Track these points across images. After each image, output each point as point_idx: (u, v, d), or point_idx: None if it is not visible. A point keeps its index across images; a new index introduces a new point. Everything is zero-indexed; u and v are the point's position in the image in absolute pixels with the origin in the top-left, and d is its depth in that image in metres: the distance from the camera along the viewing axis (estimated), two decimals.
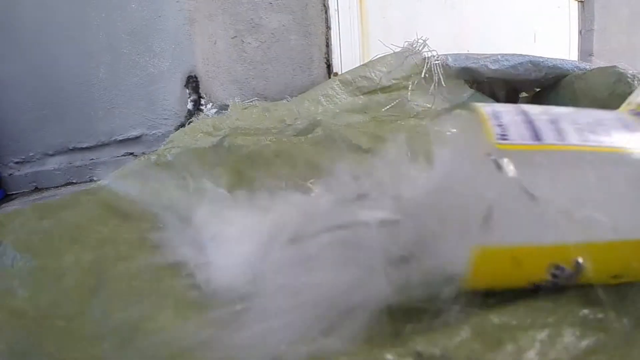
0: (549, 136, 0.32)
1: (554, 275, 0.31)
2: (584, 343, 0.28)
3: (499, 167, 0.30)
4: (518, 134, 0.31)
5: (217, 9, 1.11)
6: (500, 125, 0.32)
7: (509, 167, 0.30)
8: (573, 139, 0.32)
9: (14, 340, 0.30)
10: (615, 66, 0.80)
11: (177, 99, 1.11)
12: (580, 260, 0.30)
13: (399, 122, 0.84)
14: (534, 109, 0.35)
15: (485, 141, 0.31)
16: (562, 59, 0.96)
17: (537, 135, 0.31)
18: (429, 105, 0.95)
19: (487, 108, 0.34)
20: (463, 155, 0.34)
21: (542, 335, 0.28)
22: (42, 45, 1.07)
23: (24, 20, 1.06)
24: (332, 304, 0.30)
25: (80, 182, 1.11)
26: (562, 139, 0.31)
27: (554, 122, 0.33)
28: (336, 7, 1.21)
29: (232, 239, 0.37)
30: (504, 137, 0.31)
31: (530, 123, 0.32)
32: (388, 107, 0.96)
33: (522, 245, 0.31)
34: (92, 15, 1.06)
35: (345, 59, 1.23)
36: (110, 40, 1.08)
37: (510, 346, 0.28)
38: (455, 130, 0.35)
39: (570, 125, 0.32)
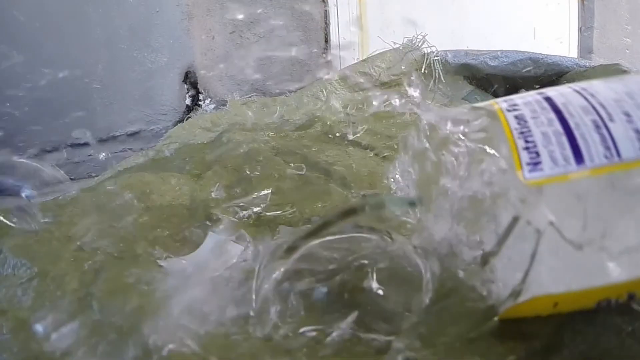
0: (595, 153, 0.23)
1: (601, 306, 0.26)
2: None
3: (535, 229, 0.24)
4: (552, 157, 0.24)
5: (215, 4, 1.10)
6: (528, 148, 0.24)
7: (544, 221, 0.24)
8: (627, 149, 0.23)
9: (21, 351, 0.31)
10: (617, 64, 0.79)
11: (176, 94, 1.10)
12: (634, 292, 0.25)
13: (397, 118, 0.84)
14: (571, 102, 0.26)
15: (514, 180, 0.24)
16: (562, 56, 0.96)
17: (579, 154, 0.23)
18: (428, 102, 0.95)
19: (510, 117, 0.26)
20: (492, 208, 0.26)
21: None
22: (39, 41, 1.06)
23: (21, 16, 1.05)
24: None
25: (79, 179, 1.11)
26: (614, 154, 0.23)
27: (601, 124, 0.24)
28: (335, 2, 1.20)
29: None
30: (535, 166, 0.24)
31: (568, 133, 0.24)
32: (386, 103, 0.96)
33: (564, 293, 0.25)
34: (90, 10, 1.06)
35: (344, 54, 1.22)
36: (107, 36, 1.07)
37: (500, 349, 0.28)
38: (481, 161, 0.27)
39: (622, 125, 0.24)
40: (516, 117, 0.26)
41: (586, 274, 0.24)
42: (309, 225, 0.36)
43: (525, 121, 0.26)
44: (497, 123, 0.27)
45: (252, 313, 0.30)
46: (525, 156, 0.24)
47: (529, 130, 0.25)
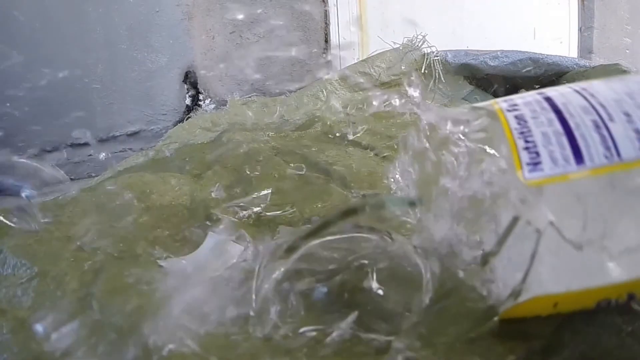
0: (595, 153, 0.23)
1: (601, 306, 0.26)
2: None
3: (535, 229, 0.24)
4: (552, 157, 0.24)
5: (215, 4, 1.10)
6: (528, 148, 0.24)
7: (544, 221, 0.24)
8: (627, 149, 0.23)
9: (21, 351, 0.31)
10: (617, 64, 0.80)
11: (176, 94, 1.10)
12: (634, 293, 0.25)
13: (397, 118, 0.84)
14: (571, 102, 0.26)
15: (514, 180, 0.24)
16: (562, 56, 0.96)
17: (579, 154, 0.23)
18: (428, 102, 0.95)
19: (510, 116, 0.26)
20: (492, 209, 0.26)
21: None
22: (39, 41, 1.06)
23: (21, 16, 1.05)
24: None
25: (79, 179, 1.11)
26: (614, 154, 0.23)
27: (601, 125, 0.24)
28: (335, 2, 1.20)
29: None
30: (535, 166, 0.24)
31: (568, 133, 0.24)
32: (386, 103, 0.96)
33: (564, 293, 0.25)
34: (89, 10, 1.06)
35: (344, 54, 1.22)
36: (107, 36, 1.07)
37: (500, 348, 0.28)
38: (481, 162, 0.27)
39: (622, 125, 0.24)
40: (516, 117, 0.26)
41: (586, 274, 0.24)
42: (309, 225, 0.36)
43: (525, 121, 0.26)
44: (497, 123, 0.27)
45: (252, 313, 0.30)
46: (525, 156, 0.24)
47: (529, 130, 0.25)
